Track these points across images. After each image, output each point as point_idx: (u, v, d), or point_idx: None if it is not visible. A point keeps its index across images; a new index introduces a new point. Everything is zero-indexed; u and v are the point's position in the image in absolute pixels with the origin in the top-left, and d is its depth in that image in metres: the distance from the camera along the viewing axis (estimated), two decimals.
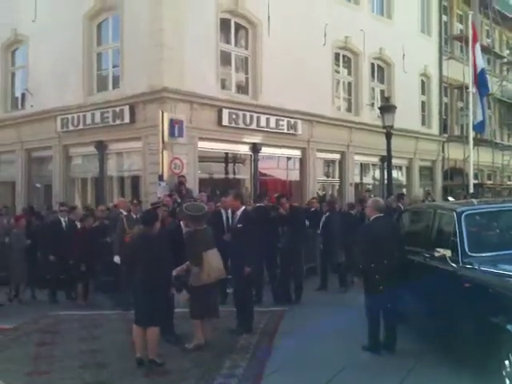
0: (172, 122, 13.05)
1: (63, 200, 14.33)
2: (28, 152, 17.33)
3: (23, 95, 17.53)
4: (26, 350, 7.07)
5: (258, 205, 10.54)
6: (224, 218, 9.52)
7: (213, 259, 6.85)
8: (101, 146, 14.95)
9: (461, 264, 5.79)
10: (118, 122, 14.21)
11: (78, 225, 10.54)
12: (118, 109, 14.16)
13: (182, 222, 7.60)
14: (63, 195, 15.63)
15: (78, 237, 10.30)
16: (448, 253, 5.91)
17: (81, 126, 15.15)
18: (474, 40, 20.45)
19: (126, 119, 13.99)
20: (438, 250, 6.01)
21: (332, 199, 14.21)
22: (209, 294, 6.83)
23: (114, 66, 15.07)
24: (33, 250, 10.55)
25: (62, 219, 10.82)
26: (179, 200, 11.30)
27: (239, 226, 7.72)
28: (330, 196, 17.15)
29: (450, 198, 16.72)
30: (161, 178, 12.86)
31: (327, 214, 11.86)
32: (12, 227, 10.83)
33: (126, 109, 13.95)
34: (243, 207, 7.97)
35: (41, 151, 16.97)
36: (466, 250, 5.86)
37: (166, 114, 12.92)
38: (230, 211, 9.26)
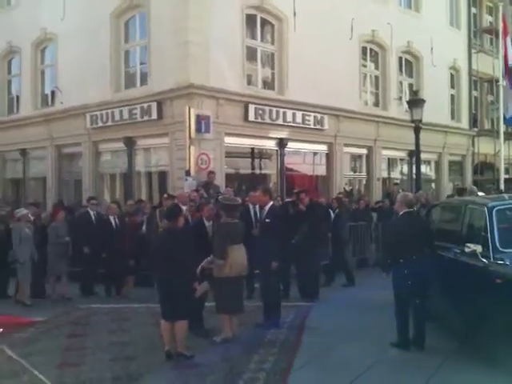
0: (199, 118, 13.14)
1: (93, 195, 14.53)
2: (58, 148, 17.61)
3: (53, 92, 17.79)
4: (58, 342, 7.20)
5: (287, 200, 10.46)
6: (252, 212, 9.53)
7: (237, 255, 6.89)
8: (129, 142, 15.11)
9: (492, 260, 5.72)
10: (145, 118, 14.34)
11: (112, 220, 10.66)
12: (145, 105, 14.29)
13: (204, 218, 7.63)
14: (93, 190, 15.83)
15: (122, 232, 10.52)
16: (479, 248, 5.84)
17: (109, 123, 15.33)
18: (505, 33, 20.01)
19: (154, 115, 14.12)
20: (469, 245, 5.93)
21: (340, 195, 13.81)
22: (234, 289, 6.86)
23: (141, 63, 15.20)
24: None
25: (92, 212, 10.98)
26: (206, 195, 11.37)
27: (267, 220, 7.73)
28: (342, 193, 15.66)
29: (480, 193, 16.41)
30: (188, 173, 12.96)
31: (337, 210, 11.74)
32: (46, 222, 10.80)
33: (154, 105, 14.07)
34: (271, 202, 7.99)
35: (71, 147, 17.22)
36: (497, 245, 5.80)
37: (192, 110, 13.01)
38: (257, 206, 9.29)
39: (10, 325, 7.94)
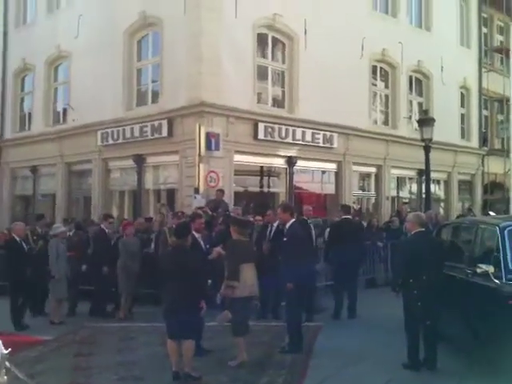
0: (209, 136, 13.18)
1: (102, 212, 14.53)
2: (68, 165, 17.72)
3: (65, 110, 17.96)
4: (65, 361, 7.16)
5: (344, 217, 10.09)
6: (268, 230, 9.42)
7: (248, 274, 6.73)
8: (139, 159, 15.17)
9: (504, 280, 5.63)
10: (156, 135, 14.42)
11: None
12: (156, 123, 14.38)
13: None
14: (102, 207, 15.90)
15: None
16: (491, 269, 5.75)
17: (120, 140, 15.43)
18: None
19: (164, 133, 14.19)
20: (481, 266, 5.85)
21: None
22: (245, 310, 6.76)
23: (153, 81, 15.34)
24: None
25: (107, 230, 10.91)
26: (210, 212, 11.29)
27: (284, 239, 7.45)
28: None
29: (491, 213, 16.27)
30: (196, 191, 12.96)
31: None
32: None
33: (165, 123, 14.15)
34: (292, 220, 7.58)
35: (81, 164, 17.32)
36: (510, 265, 5.71)
37: (203, 128, 13.05)
38: (275, 224, 9.19)
39: (17, 344, 7.88)
